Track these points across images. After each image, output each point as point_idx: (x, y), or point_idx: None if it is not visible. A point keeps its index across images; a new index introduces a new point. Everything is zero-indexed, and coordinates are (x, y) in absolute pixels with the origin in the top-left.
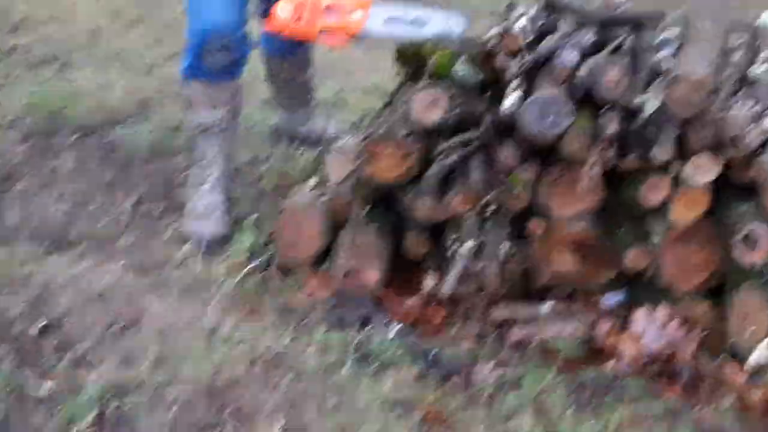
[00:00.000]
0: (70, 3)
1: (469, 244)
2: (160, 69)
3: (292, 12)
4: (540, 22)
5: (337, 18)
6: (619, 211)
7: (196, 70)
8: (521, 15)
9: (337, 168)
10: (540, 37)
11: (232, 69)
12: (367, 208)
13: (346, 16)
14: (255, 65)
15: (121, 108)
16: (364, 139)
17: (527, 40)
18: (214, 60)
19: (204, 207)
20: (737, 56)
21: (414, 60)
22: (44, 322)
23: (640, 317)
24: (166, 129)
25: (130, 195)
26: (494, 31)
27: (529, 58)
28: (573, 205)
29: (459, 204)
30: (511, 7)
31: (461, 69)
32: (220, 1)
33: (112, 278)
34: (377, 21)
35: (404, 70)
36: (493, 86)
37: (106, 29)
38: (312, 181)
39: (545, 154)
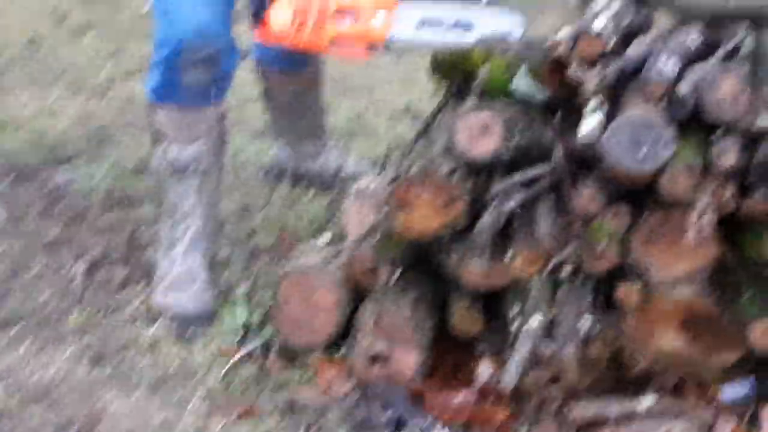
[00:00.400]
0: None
1: (538, 319)
2: (119, 89)
3: (291, 17)
4: (627, 20)
5: (354, 23)
6: (741, 271)
7: (166, 92)
8: (601, 9)
9: (358, 218)
10: (627, 39)
11: (215, 89)
12: (398, 272)
13: (366, 19)
14: (245, 81)
15: (67, 142)
16: (393, 179)
17: (610, 44)
18: (192, 77)
19: (179, 274)
20: None
21: (457, 73)
22: None
23: None
24: (126, 169)
25: (81, 257)
26: (565, 32)
27: (613, 68)
28: (678, 264)
29: (522, 265)
30: None
31: (522, 83)
32: None
33: (61, 369)
34: (407, 25)
35: (443, 86)
36: (564, 105)
37: (48, 38)
38: (324, 237)
39: (639, 197)
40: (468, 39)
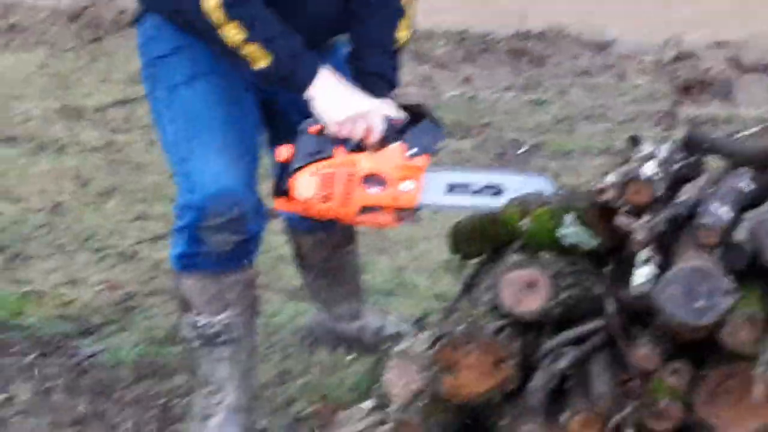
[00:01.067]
0: (20, 172)
1: None
2: (145, 254)
3: (318, 187)
4: (676, 165)
5: (382, 189)
6: None
7: (192, 260)
8: (650, 155)
9: (402, 383)
10: (676, 185)
11: (243, 252)
12: None
13: (394, 186)
14: (278, 240)
15: (93, 313)
16: (437, 340)
17: (660, 191)
18: (217, 243)
19: None
20: None
21: (486, 239)
22: None
23: None
24: (156, 338)
25: None
26: (612, 177)
27: (663, 215)
28: (747, 421)
29: (579, 427)
30: (635, 142)
31: (570, 231)
32: (220, 155)
33: None
34: (436, 190)
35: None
36: (615, 256)
37: (70, 204)
38: (367, 404)
39: (699, 351)
40: (499, 201)
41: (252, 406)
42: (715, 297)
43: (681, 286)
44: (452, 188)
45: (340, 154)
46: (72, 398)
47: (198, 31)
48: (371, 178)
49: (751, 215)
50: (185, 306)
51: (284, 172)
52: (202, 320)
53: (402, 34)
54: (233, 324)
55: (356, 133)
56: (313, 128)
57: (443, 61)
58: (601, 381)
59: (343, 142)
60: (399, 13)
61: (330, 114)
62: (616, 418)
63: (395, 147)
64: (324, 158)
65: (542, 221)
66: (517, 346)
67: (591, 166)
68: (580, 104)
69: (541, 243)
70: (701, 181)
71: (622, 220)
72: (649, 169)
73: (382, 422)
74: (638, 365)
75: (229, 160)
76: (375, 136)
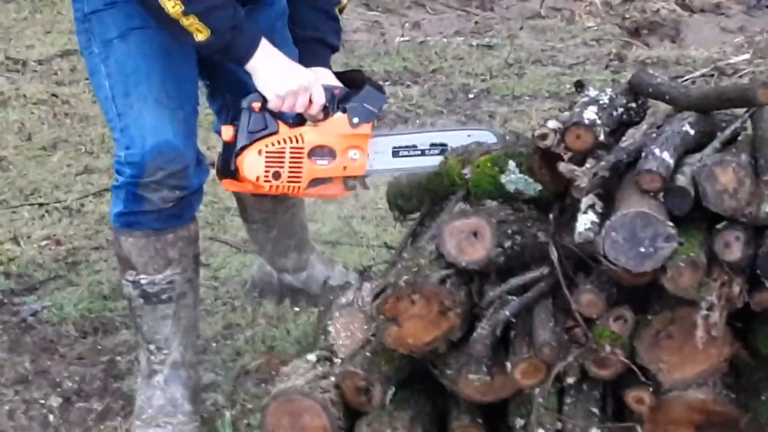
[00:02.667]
0: None
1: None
2: (91, 209)
3: (267, 165)
4: (620, 110)
5: (331, 161)
6: (758, 369)
7: (132, 218)
8: (591, 100)
9: (347, 334)
10: (620, 129)
11: (185, 207)
12: (392, 390)
13: (342, 156)
14: (222, 191)
15: (37, 269)
16: (382, 291)
17: (601, 137)
18: (157, 199)
19: (160, 407)
20: None
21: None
22: None
23: None
24: (100, 294)
25: (55, 391)
26: (552, 123)
27: (606, 162)
28: (689, 365)
29: (523, 376)
30: (581, 87)
31: (514, 178)
32: (158, 107)
33: None
34: (383, 156)
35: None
36: (559, 203)
37: (14, 159)
38: (312, 356)
39: (642, 297)
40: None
41: (197, 361)
42: (657, 242)
43: (624, 232)
44: (398, 151)
45: (285, 129)
46: (16, 356)
47: (140, 1)
48: (318, 150)
49: (693, 160)
50: (126, 264)
51: (230, 152)
52: (143, 279)
53: None
54: (175, 281)
55: (298, 105)
56: (256, 104)
57: (392, 6)
58: (545, 329)
59: (286, 115)
60: None
61: (271, 88)
62: (560, 366)
63: (339, 117)
64: (269, 134)
65: (485, 169)
66: (461, 295)
67: (541, 110)
68: (529, 48)
69: (484, 191)
70: (644, 126)
71: (565, 167)
72: (590, 114)
73: (328, 374)
74: (582, 312)
75: (168, 112)
76: (317, 107)
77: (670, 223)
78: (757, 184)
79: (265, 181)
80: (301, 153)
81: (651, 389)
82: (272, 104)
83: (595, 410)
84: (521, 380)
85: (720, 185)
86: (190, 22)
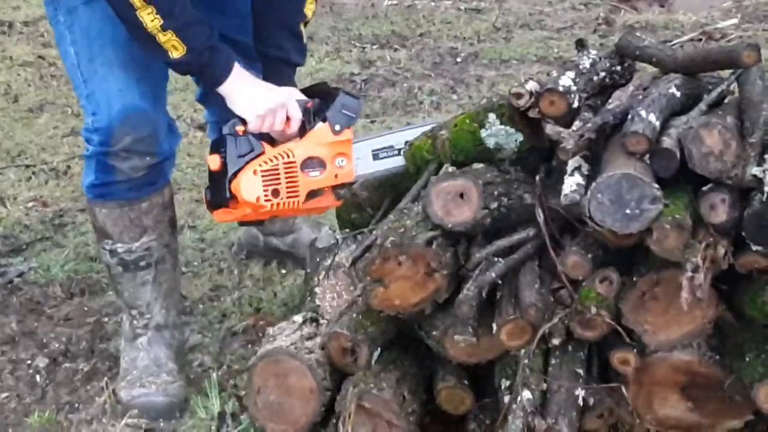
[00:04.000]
0: None
1: (530, 392)
2: (77, 171)
3: (264, 184)
4: (602, 74)
5: (322, 171)
6: (742, 330)
7: (105, 189)
8: (573, 65)
9: (333, 296)
10: (599, 93)
11: (158, 175)
12: (379, 350)
13: (332, 165)
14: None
15: (24, 230)
16: (366, 250)
17: (575, 104)
18: (128, 168)
19: (145, 367)
20: None
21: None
22: None
23: None
24: (87, 257)
25: (42, 352)
26: (531, 85)
27: (591, 124)
28: (674, 326)
29: (509, 337)
30: (582, 46)
31: (494, 131)
32: (124, 71)
33: None
34: (366, 159)
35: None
36: (545, 164)
37: (0, 121)
38: (298, 318)
39: (628, 258)
40: None
41: (181, 322)
42: (643, 204)
43: (610, 194)
44: (377, 154)
45: (270, 148)
46: (3, 316)
47: (118, 11)
48: (309, 162)
49: (679, 122)
50: (102, 234)
51: (220, 180)
52: (120, 247)
53: (309, 8)
54: (152, 248)
55: (277, 123)
56: (239, 128)
57: None
58: (531, 290)
59: (267, 135)
60: None
61: (250, 110)
62: (546, 327)
63: (321, 126)
64: (257, 156)
65: (463, 126)
66: (447, 256)
67: (529, 74)
68: (517, 12)
69: (462, 149)
70: (630, 88)
71: (551, 129)
72: (566, 80)
73: (314, 335)
74: (568, 274)
75: (135, 76)
76: (295, 122)
77: (656, 185)
78: (742, 146)
79: (266, 200)
80: (294, 167)
81: (636, 350)
82: (253, 126)
83: (581, 371)
84: (507, 341)
85: (706, 147)
86: (167, 38)
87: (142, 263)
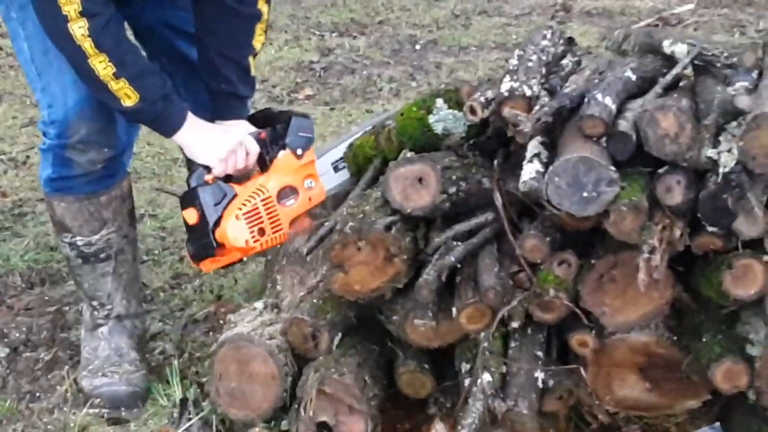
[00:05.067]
0: None
1: (488, 377)
2: (37, 161)
3: (249, 225)
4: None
5: (297, 198)
6: (699, 311)
7: (62, 183)
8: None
9: (293, 282)
10: (564, 77)
11: (116, 168)
12: (339, 335)
13: (303, 190)
14: (168, 142)
15: None
16: (325, 235)
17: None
18: (84, 161)
19: (106, 356)
20: None
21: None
22: None
23: None
24: (47, 247)
25: (2, 341)
26: (490, 94)
27: (548, 107)
28: (631, 308)
29: (468, 320)
30: (572, 42)
31: (441, 116)
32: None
33: None
34: (329, 174)
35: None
36: (503, 148)
37: None
38: (259, 304)
39: (585, 241)
40: None
41: (142, 311)
42: (600, 186)
43: (567, 177)
44: (336, 166)
45: (241, 188)
46: None
47: (69, 58)
48: (282, 193)
49: (635, 105)
50: (61, 227)
51: (202, 232)
52: (79, 240)
53: (258, 40)
54: (112, 239)
55: (239, 162)
56: (208, 177)
57: None
58: (490, 274)
59: (231, 176)
60: (255, 18)
61: (212, 155)
62: (505, 310)
63: (284, 154)
64: (231, 200)
65: (410, 114)
66: (407, 241)
67: (488, 61)
68: None
69: (410, 137)
70: (586, 72)
71: (508, 112)
72: (506, 85)
73: (275, 321)
74: (526, 257)
75: None
76: (254, 157)
77: (613, 168)
78: (697, 128)
79: (255, 241)
80: (271, 201)
81: (594, 332)
82: (217, 171)
83: (540, 353)
84: (467, 325)
85: (661, 130)
86: (120, 86)
87: (102, 255)
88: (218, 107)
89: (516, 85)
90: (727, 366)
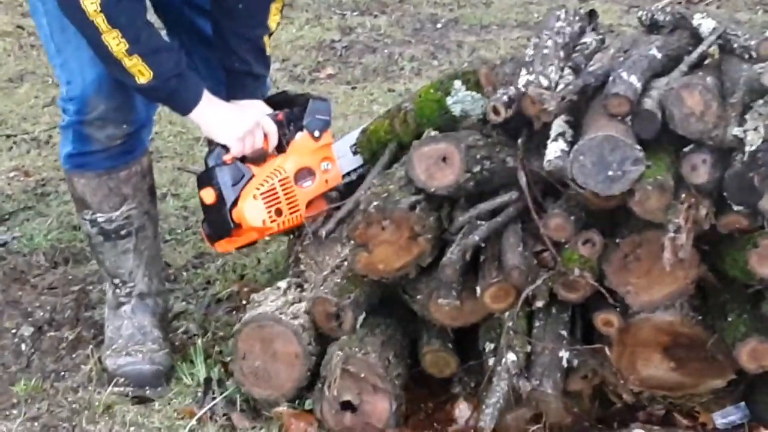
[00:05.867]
0: None
1: (512, 356)
2: (59, 140)
3: (267, 205)
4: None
5: (314, 180)
6: (724, 290)
7: (82, 159)
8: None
9: (317, 262)
10: (568, 46)
11: (135, 143)
12: (363, 315)
13: (320, 171)
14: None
15: (6, 200)
16: (343, 218)
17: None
18: (104, 136)
19: (129, 335)
20: None
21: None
22: None
23: None
24: (70, 225)
25: (26, 321)
26: (511, 92)
27: (573, 86)
28: (657, 287)
29: (492, 300)
30: (594, 16)
31: (459, 97)
32: None
33: None
34: (347, 157)
35: None
36: (527, 127)
37: None
38: (283, 283)
39: (610, 220)
40: None
41: (165, 290)
42: (625, 165)
43: (592, 156)
44: (356, 149)
45: (258, 169)
46: None
47: (85, 34)
48: (300, 175)
49: (660, 83)
50: (81, 204)
51: (219, 212)
52: (100, 217)
53: (273, 19)
54: (132, 216)
55: (257, 142)
56: (226, 157)
57: None
58: (514, 253)
59: (249, 157)
60: None
61: (230, 135)
62: (529, 289)
63: (301, 136)
64: (249, 180)
65: (428, 96)
66: (431, 220)
67: (509, 39)
68: None
69: (428, 119)
70: (611, 50)
71: (533, 91)
72: (523, 79)
73: (299, 300)
74: (551, 236)
75: None
76: (273, 138)
77: (638, 147)
78: (723, 106)
79: (272, 222)
80: (289, 182)
81: (619, 312)
82: (235, 150)
83: (564, 333)
84: (491, 304)
85: (687, 108)
86: (134, 63)
87: (123, 232)
88: (233, 86)
89: (532, 78)
90: (752, 345)
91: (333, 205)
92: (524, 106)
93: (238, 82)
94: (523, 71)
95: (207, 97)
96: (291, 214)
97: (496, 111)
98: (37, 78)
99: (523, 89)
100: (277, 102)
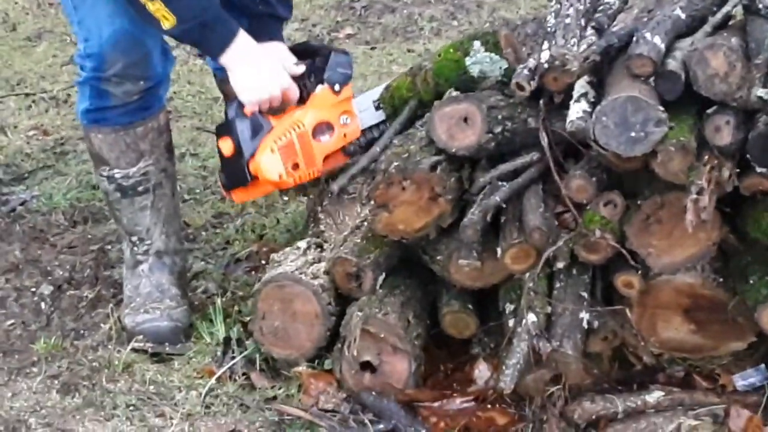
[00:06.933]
0: None
1: (534, 315)
2: (76, 99)
3: (284, 159)
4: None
5: (332, 134)
6: (746, 253)
7: (99, 114)
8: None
9: (336, 221)
10: (590, 13)
11: (152, 99)
12: (383, 275)
13: (339, 126)
14: (210, 79)
15: (25, 159)
16: (370, 175)
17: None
18: (121, 92)
19: (148, 293)
20: None
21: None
22: None
23: None
24: (89, 184)
25: (46, 280)
26: (531, 63)
27: (596, 46)
28: (678, 249)
29: (513, 261)
30: None
31: (478, 58)
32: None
33: (30, 399)
34: (368, 112)
35: None
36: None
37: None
38: (302, 243)
39: (632, 181)
40: None
41: (183, 248)
42: (648, 126)
43: (614, 117)
44: (378, 104)
45: (278, 122)
46: (6, 245)
47: None
48: (318, 129)
49: (684, 44)
50: (98, 160)
51: (236, 163)
52: (117, 173)
53: None
54: (150, 172)
55: (276, 97)
56: (245, 109)
57: None
58: (535, 214)
59: (269, 109)
60: None
61: (249, 98)
62: (550, 250)
63: (321, 89)
64: (268, 132)
65: (447, 55)
66: (452, 181)
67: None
68: None
69: (447, 79)
70: (635, 10)
71: (556, 50)
72: (545, 54)
73: (318, 260)
74: (572, 197)
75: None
76: (294, 92)
77: (661, 108)
78: (747, 68)
79: (289, 175)
80: (307, 137)
81: (640, 273)
82: (255, 102)
83: (585, 294)
84: (511, 265)
85: (711, 69)
86: (157, 8)
87: (140, 188)
88: (256, 28)
89: (554, 52)
90: None
91: (350, 161)
92: (546, 81)
93: (260, 24)
94: (545, 44)
95: (237, 45)
96: (308, 168)
97: (520, 87)
98: (55, 36)
99: (545, 65)
100: (298, 53)
